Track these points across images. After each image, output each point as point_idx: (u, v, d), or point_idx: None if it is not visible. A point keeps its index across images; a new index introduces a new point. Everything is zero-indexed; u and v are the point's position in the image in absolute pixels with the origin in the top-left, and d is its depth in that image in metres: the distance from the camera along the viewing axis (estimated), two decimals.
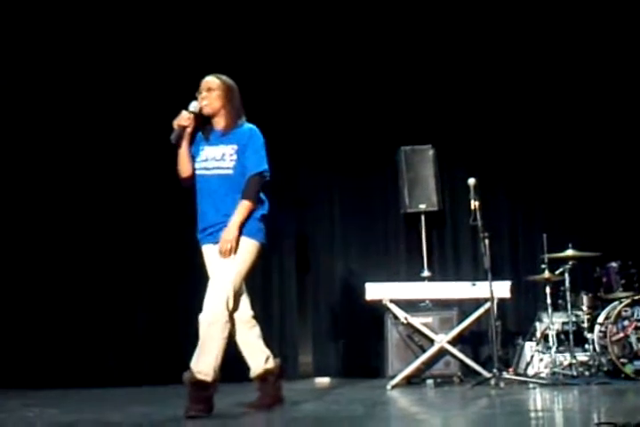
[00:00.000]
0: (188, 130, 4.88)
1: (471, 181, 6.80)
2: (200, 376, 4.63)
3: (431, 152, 8.18)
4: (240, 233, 4.76)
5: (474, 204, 6.74)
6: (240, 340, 4.99)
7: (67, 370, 8.24)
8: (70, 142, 8.73)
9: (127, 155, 8.73)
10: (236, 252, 4.74)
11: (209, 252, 4.89)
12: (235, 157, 4.84)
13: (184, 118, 4.84)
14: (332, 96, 8.90)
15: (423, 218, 8.16)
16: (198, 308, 4.76)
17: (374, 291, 7.14)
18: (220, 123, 4.94)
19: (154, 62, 8.75)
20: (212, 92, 4.90)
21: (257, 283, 8.80)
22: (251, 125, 4.97)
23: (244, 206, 4.78)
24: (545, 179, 8.65)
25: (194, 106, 4.88)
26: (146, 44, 8.81)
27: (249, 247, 4.81)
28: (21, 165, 8.69)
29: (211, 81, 4.94)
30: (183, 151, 4.91)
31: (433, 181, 8.14)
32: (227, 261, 4.73)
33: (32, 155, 8.69)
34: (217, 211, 4.82)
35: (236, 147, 4.86)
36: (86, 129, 8.76)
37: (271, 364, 5.03)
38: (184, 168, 4.93)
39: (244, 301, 4.98)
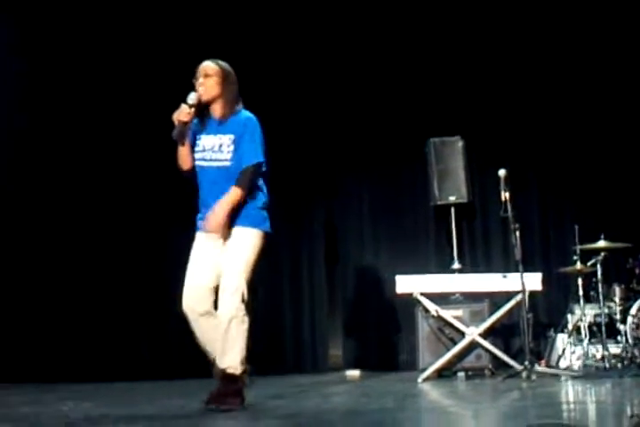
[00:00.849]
0: (189, 124, 4.75)
1: (501, 172, 6.77)
2: (230, 371, 4.65)
3: (460, 144, 8.14)
4: (244, 224, 4.72)
5: (504, 195, 6.71)
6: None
7: (100, 364, 8.30)
8: (69, 141, 8.76)
9: (128, 157, 8.77)
10: (228, 237, 4.71)
11: (203, 240, 4.80)
12: (232, 147, 4.73)
13: (184, 113, 4.67)
14: (361, 88, 8.88)
15: (453, 210, 8.14)
16: None
17: (405, 284, 7.13)
18: (216, 110, 4.80)
19: (155, 59, 8.74)
20: (209, 79, 4.74)
21: (286, 274, 8.87)
22: (248, 114, 4.82)
23: (234, 192, 4.66)
24: (576, 169, 8.57)
25: (192, 98, 4.69)
26: (146, 41, 8.82)
27: (254, 237, 4.74)
28: (22, 166, 8.76)
29: (208, 67, 4.78)
30: (185, 147, 4.79)
31: (462, 173, 8.10)
32: (234, 253, 4.69)
33: (31, 154, 8.74)
34: (216, 201, 4.71)
35: (232, 137, 4.74)
36: (84, 126, 8.78)
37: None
38: (185, 162, 4.82)
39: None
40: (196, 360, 8.14)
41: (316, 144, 8.80)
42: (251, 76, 8.73)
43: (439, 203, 8.17)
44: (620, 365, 6.77)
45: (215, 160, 4.75)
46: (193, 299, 4.69)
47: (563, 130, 8.63)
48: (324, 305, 8.83)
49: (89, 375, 8.07)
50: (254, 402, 4.91)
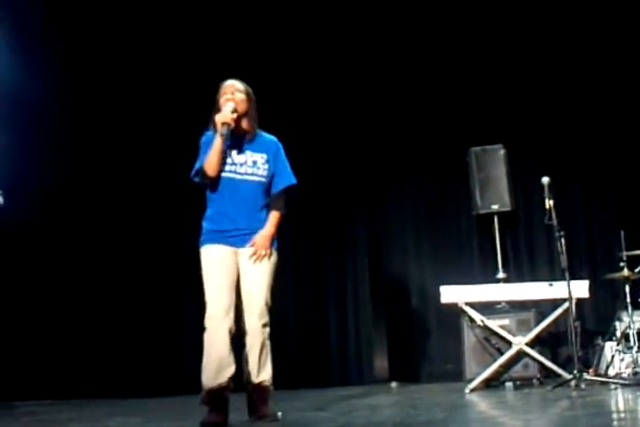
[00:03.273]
0: (231, 128, 4.70)
1: (545, 179, 6.71)
2: (267, 383, 4.74)
3: (502, 152, 8.10)
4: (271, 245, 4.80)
5: (548, 203, 6.65)
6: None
7: (145, 378, 8.37)
8: (77, 147, 8.91)
9: (134, 164, 8.91)
10: (269, 259, 4.77)
11: (225, 252, 4.75)
12: (266, 166, 4.82)
13: (230, 117, 4.67)
14: (403, 99, 8.90)
15: (496, 219, 8.10)
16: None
17: (449, 294, 7.09)
18: (241, 127, 4.82)
19: (165, 68, 8.89)
20: (238, 95, 4.79)
21: (330, 287, 8.88)
22: (272, 136, 4.93)
23: (277, 218, 4.80)
24: (619, 175, 8.48)
25: (231, 106, 4.70)
26: (153, 49, 8.96)
27: (276, 256, 4.83)
28: (27, 171, 8.85)
29: (236, 84, 4.84)
30: (220, 153, 4.71)
31: (505, 181, 8.07)
32: (261, 273, 4.74)
33: (38, 158, 8.83)
34: (246, 216, 4.75)
35: (265, 156, 4.83)
36: (93, 132, 8.93)
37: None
38: (215, 170, 4.73)
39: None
40: (238, 374, 8.27)
41: (358, 156, 8.83)
42: (292, 89, 8.88)
43: (482, 212, 8.14)
44: None
45: (251, 175, 4.79)
46: (222, 318, 4.65)
47: (605, 136, 8.55)
48: (368, 317, 8.81)
49: (134, 391, 8.13)
50: (301, 415, 4.90)
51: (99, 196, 8.92)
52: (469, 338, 7.18)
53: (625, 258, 7.11)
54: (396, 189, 9.00)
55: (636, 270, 7.06)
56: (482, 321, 7.02)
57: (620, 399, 5.53)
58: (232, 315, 4.68)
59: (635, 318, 7.07)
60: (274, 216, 4.79)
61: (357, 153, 8.80)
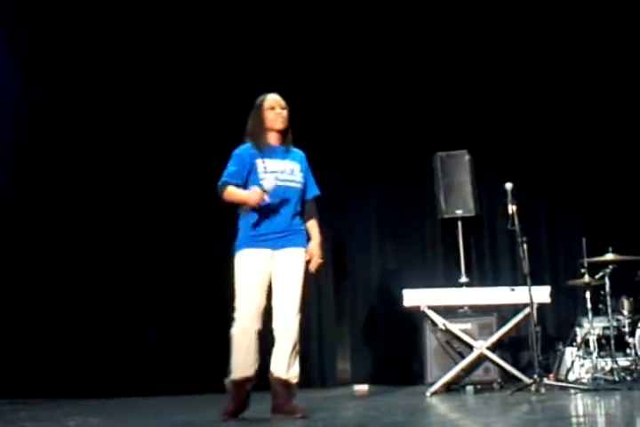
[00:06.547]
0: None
1: (508, 185, 6.75)
2: (295, 380, 4.96)
3: (467, 157, 8.13)
4: (304, 245, 5.12)
5: (511, 208, 6.69)
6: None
7: (105, 379, 8.31)
8: (86, 147, 8.92)
9: (145, 167, 8.91)
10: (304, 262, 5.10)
11: (262, 256, 4.99)
12: (301, 174, 5.17)
13: (260, 198, 4.90)
14: (368, 102, 8.91)
15: (460, 223, 8.12)
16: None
17: (412, 297, 7.12)
18: (280, 139, 5.15)
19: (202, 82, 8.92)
20: (284, 111, 5.13)
21: None
22: (297, 149, 5.27)
23: (318, 226, 5.25)
24: (583, 182, 8.57)
25: (269, 186, 4.92)
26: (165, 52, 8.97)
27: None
28: (31, 174, 8.84)
29: (281, 100, 5.18)
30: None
31: (469, 187, 8.09)
32: (297, 275, 5.02)
33: (44, 158, 8.86)
34: (284, 220, 5.05)
35: (298, 166, 5.17)
36: (107, 134, 8.94)
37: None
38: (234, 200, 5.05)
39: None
40: (201, 376, 8.25)
41: (323, 159, 8.79)
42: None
43: (446, 216, 8.16)
44: (628, 377, 6.74)
45: (291, 181, 5.10)
46: (256, 319, 4.92)
47: (569, 143, 8.63)
48: (331, 320, 8.82)
49: (94, 391, 8.07)
50: (263, 417, 4.90)
51: (98, 196, 8.89)
52: (431, 342, 7.21)
53: (586, 265, 7.17)
54: (361, 192, 9.01)
55: (597, 277, 7.12)
56: (444, 325, 7.05)
57: (579, 404, 5.57)
58: (262, 317, 4.93)
59: (595, 324, 7.14)
60: (316, 225, 5.23)
61: (323, 156, 8.78)
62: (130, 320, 8.62)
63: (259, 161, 5.04)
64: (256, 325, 4.91)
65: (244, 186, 5.01)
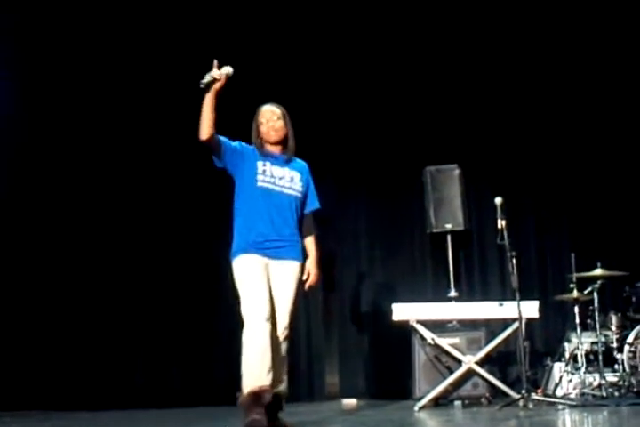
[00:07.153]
0: (217, 85, 4.77)
1: (498, 200, 6.76)
2: (283, 393, 4.92)
3: (457, 172, 8.15)
4: (300, 259, 5.05)
5: (500, 223, 6.70)
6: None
7: (95, 392, 8.29)
8: (86, 148, 8.95)
9: (145, 169, 8.89)
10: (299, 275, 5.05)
11: (259, 262, 4.89)
12: (301, 183, 5.12)
13: (218, 73, 4.76)
14: (358, 116, 8.92)
15: (449, 238, 8.13)
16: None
17: (401, 311, 7.11)
18: (280, 149, 5.11)
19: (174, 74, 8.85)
20: (280, 121, 5.05)
21: None
22: (301, 160, 5.23)
23: (315, 241, 5.15)
24: (573, 197, 8.58)
25: (225, 71, 4.78)
26: (157, 49, 8.98)
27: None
28: (30, 175, 8.83)
29: (276, 109, 5.09)
30: (212, 100, 4.79)
31: (459, 201, 8.11)
32: (291, 288, 4.98)
33: (43, 159, 8.85)
34: (279, 227, 4.96)
35: (299, 175, 5.13)
36: (105, 138, 8.97)
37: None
38: (209, 122, 4.80)
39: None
40: (192, 389, 8.23)
41: (314, 173, 8.80)
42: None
43: (435, 230, 8.16)
44: (617, 393, 6.73)
45: (289, 189, 5.05)
46: (268, 321, 4.76)
47: (558, 158, 8.64)
48: (320, 334, 8.80)
49: (84, 403, 8.04)
50: None
51: (98, 197, 8.92)
52: (420, 356, 7.21)
53: (575, 280, 7.17)
54: (350, 206, 9.01)
55: (586, 292, 7.13)
56: (432, 339, 7.05)
57: (567, 420, 5.57)
58: (271, 320, 4.79)
59: (583, 340, 7.14)
60: (313, 242, 5.12)
61: (313, 168, 8.77)
62: (117, 332, 8.59)
63: (259, 163, 5.01)
64: (266, 330, 4.71)
65: (235, 178, 4.99)
